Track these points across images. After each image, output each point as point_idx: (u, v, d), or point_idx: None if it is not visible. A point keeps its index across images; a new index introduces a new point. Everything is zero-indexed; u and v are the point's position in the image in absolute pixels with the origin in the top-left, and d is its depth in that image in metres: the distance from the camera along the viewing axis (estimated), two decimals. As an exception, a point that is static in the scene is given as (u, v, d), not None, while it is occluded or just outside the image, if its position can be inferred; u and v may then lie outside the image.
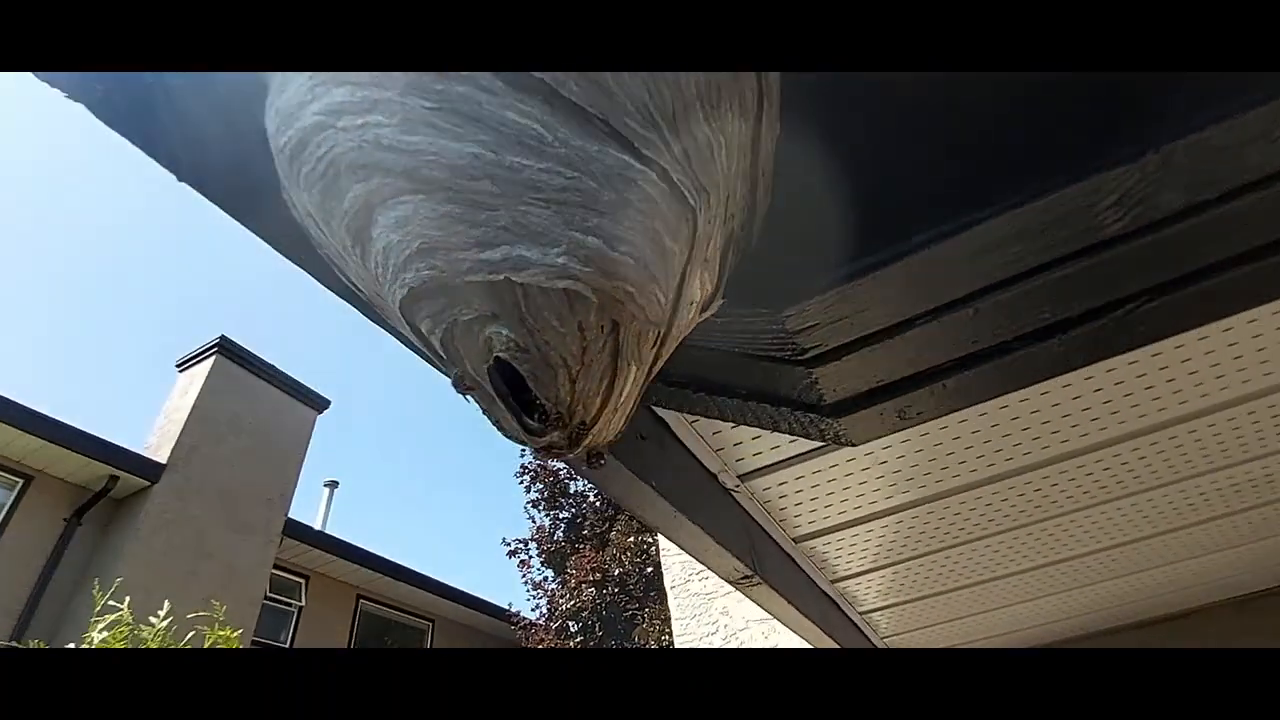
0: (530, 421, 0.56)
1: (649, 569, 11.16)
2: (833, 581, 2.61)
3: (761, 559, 1.96)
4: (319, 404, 10.37)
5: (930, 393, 0.85)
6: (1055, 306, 0.76)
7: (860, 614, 3.01)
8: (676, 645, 4.29)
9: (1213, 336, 1.31)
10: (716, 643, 3.99)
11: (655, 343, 0.56)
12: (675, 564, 4.57)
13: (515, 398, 0.57)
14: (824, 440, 0.95)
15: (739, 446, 1.77)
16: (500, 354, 0.52)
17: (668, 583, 4.72)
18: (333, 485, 12.41)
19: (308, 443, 9.91)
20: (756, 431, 1.75)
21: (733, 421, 1.03)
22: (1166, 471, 1.88)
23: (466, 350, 0.55)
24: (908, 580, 2.73)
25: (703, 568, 5.19)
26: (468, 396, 0.62)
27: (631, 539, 11.50)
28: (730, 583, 1.87)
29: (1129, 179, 0.62)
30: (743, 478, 1.88)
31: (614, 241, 0.48)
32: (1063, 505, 2.02)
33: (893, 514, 2.21)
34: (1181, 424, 1.63)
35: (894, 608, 3.02)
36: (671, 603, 4.64)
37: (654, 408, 1.52)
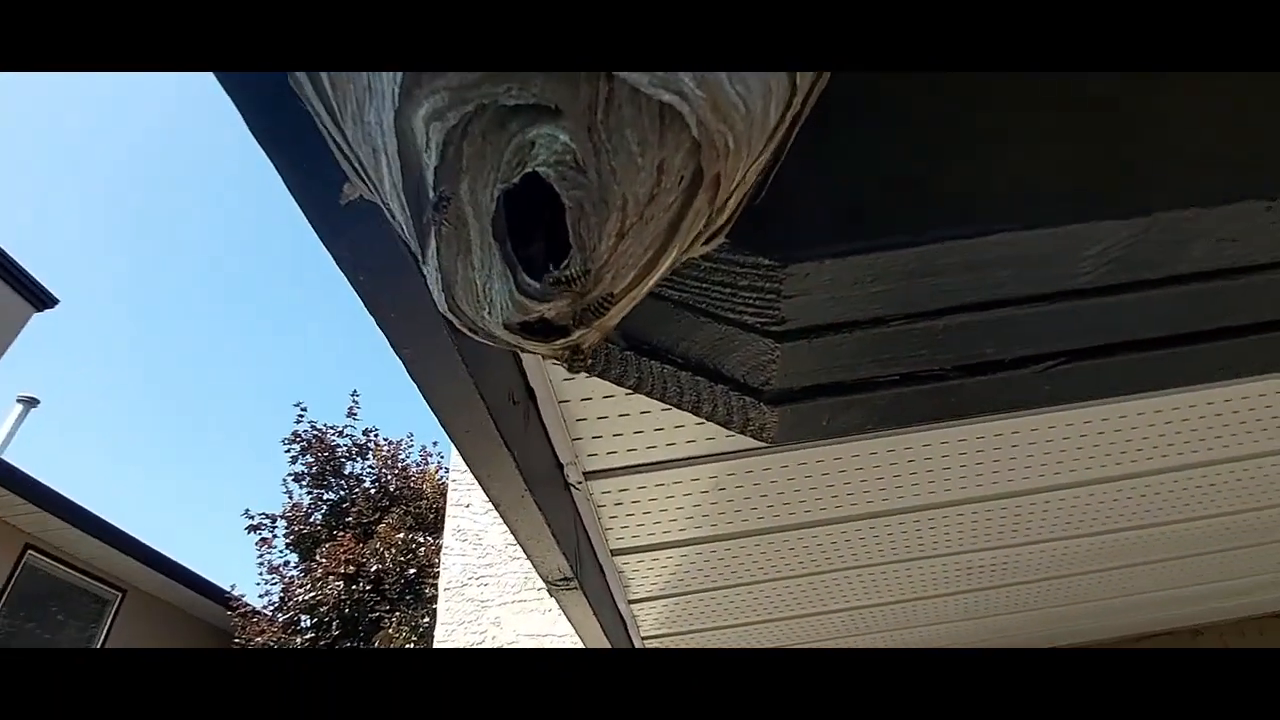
0: (529, 281, 0.43)
1: (412, 570, 10.37)
2: (629, 602, 2.59)
3: (582, 563, 1.87)
4: (40, 299, 8.22)
5: (866, 405, 0.84)
6: (1000, 345, 0.80)
7: (642, 639, 3.03)
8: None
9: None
10: (482, 654, 3.76)
11: (704, 230, 0.46)
12: (457, 564, 4.28)
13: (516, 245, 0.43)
14: (745, 431, 0.90)
15: (597, 441, 1.69)
16: (541, 168, 0.38)
17: (443, 584, 4.40)
18: (29, 403, 9.75)
19: (10, 342, 7.77)
20: (619, 428, 1.68)
21: (648, 393, 0.94)
22: (980, 539, 2.15)
23: (478, 158, 0.40)
24: (695, 610, 2.81)
25: (485, 573, 4.92)
26: (430, 235, 0.46)
27: (401, 535, 10.63)
28: (548, 582, 1.75)
29: (1118, 234, 0.66)
30: (587, 475, 1.79)
31: (734, 78, 0.38)
32: (870, 557, 2.20)
33: (708, 542, 2.25)
34: (998, 500, 1.87)
35: (670, 637, 3.09)
36: (441, 606, 4.33)
37: (526, 372, 1.39)
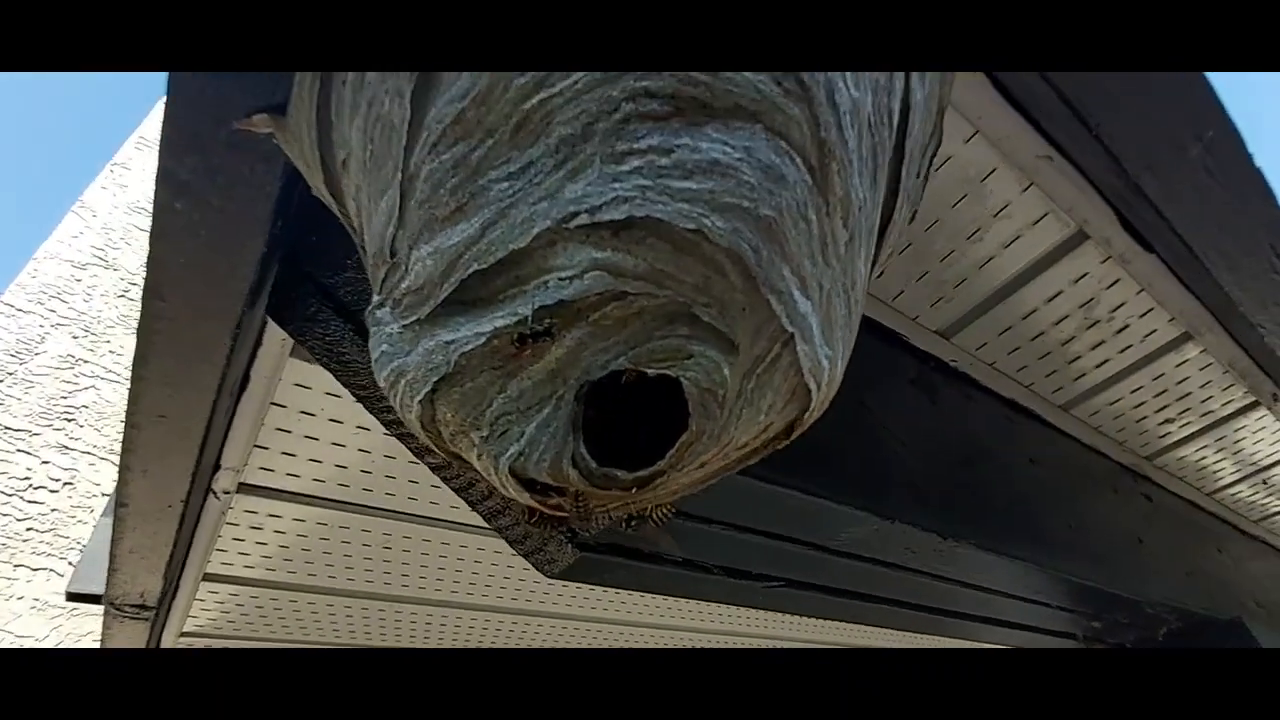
0: (587, 457, 0.40)
1: None
2: (180, 634, 2.06)
3: (179, 583, 1.46)
4: None
5: (642, 572, 0.92)
6: (759, 562, 0.97)
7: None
8: None
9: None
10: None
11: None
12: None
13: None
14: (530, 556, 0.89)
15: (266, 453, 1.41)
16: (688, 384, 0.37)
17: None
18: None
19: None
20: (299, 449, 1.45)
21: (454, 479, 0.87)
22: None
23: (615, 327, 0.37)
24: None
25: None
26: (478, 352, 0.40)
27: None
28: (115, 606, 1.30)
29: (870, 524, 0.90)
30: (238, 489, 1.45)
31: (842, 358, 0.44)
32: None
33: (302, 591, 1.99)
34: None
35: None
36: None
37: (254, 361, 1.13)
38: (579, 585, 2.24)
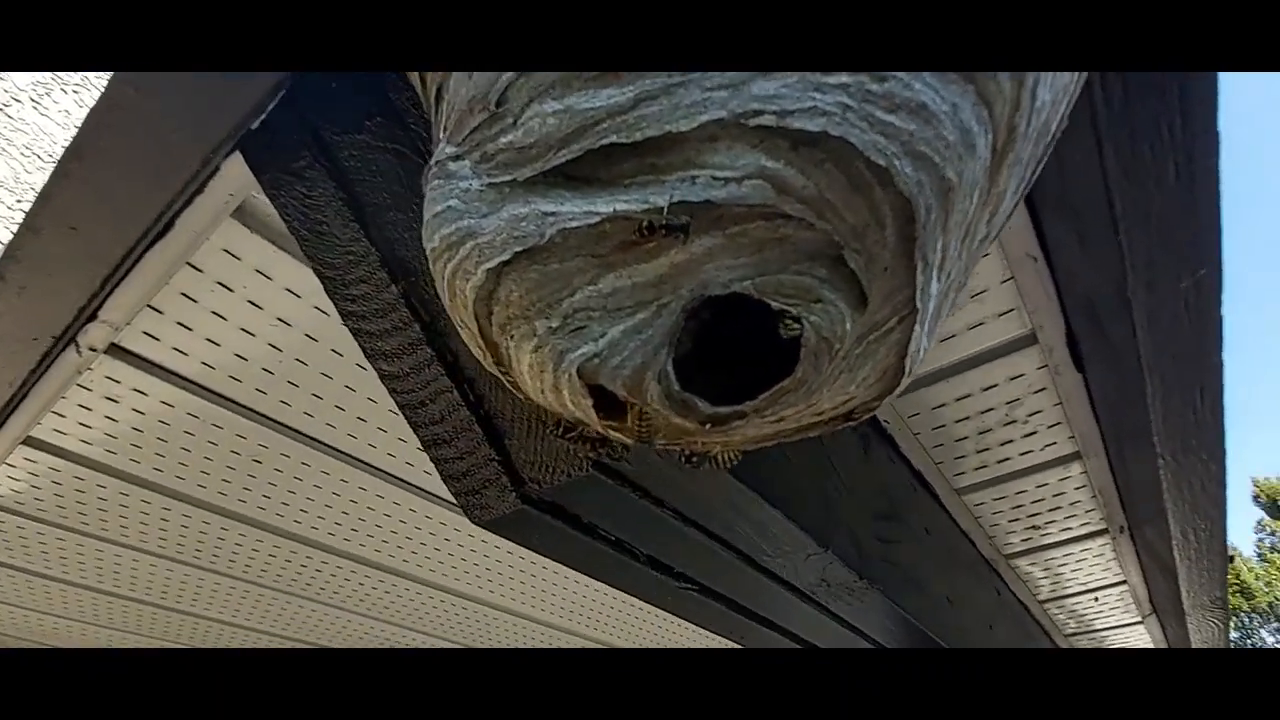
0: (674, 379, 0.36)
1: None
2: None
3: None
4: None
5: (569, 541, 0.88)
6: (685, 561, 0.96)
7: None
8: None
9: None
10: None
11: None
12: None
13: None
14: (462, 494, 0.82)
15: (182, 332, 1.24)
16: (809, 326, 0.34)
17: None
18: None
19: None
20: (218, 333, 1.29)
21: (403, 394, 0.80)
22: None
23: (751, 247, 0.34)
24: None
25: None
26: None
27: None
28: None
29: (798, 551, 0.91)
30: (108, 350, 1.26)
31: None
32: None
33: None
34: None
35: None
36: None
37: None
38: (460, 558, 2.13)
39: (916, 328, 0.38)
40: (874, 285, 0.36)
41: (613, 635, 2.79)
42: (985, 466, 1.68)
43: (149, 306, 1.22)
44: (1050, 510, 1.88)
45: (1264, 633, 17.54)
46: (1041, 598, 2.44)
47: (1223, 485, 1.25)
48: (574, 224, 0.35)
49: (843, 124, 0.32)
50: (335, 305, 0.80)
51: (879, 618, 1.20)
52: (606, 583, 0.96)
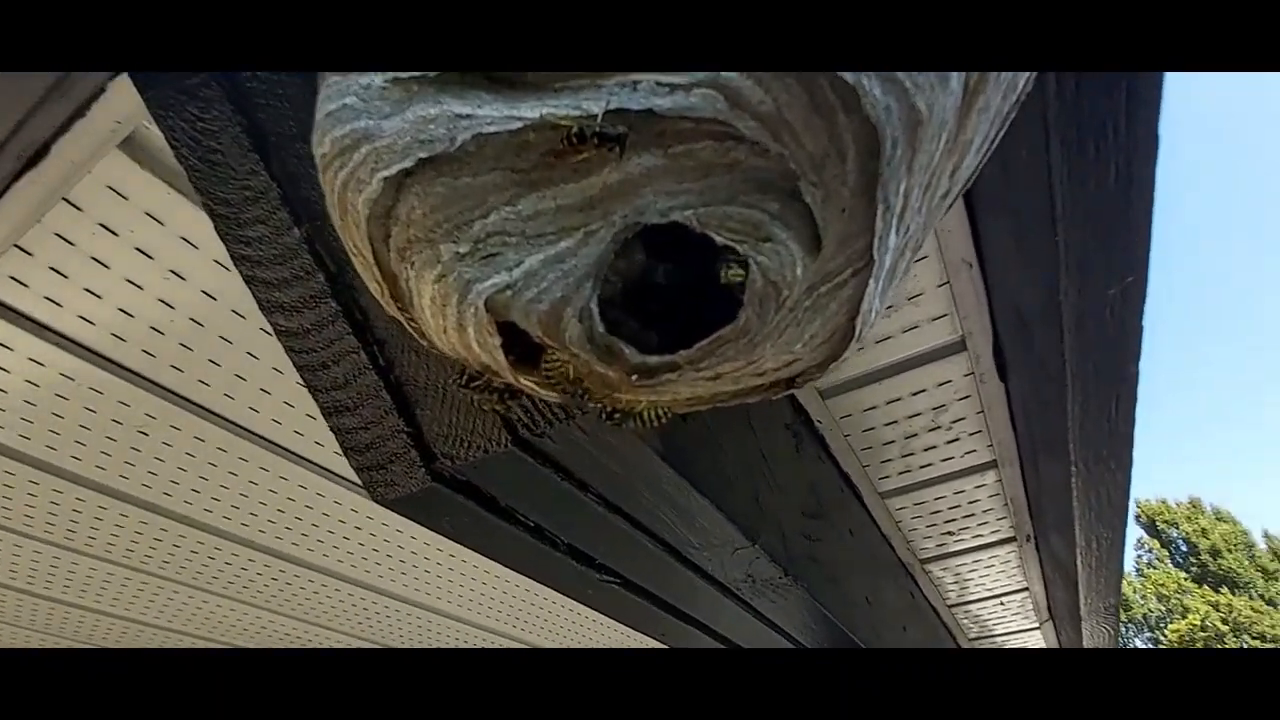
0: (599, 326, 0.31)
1: None
2: None
3: None
4: None
5: (483, 525, 0.81)
6: (605, 551, 0.91)
7: None
8: None
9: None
10: None
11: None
12: None
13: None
14: (365, 470, 0.74)
15: (56, 280, 1.09)
16: (756, 266, 0.30)
17: None
18: None
19: None
20: (101, 284, 1.15)
21: (302, 354, 0.72)
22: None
23: (697, 171, 0.29)
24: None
25: None
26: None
27: None
28: None
29: (725, 545, 0.88)
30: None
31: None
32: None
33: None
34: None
35: None
36: None
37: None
38: (360, 542, 2.00)
39: (871, 283, 0.35)
40: (830, 227, 0.32)
41: (531, 632, 2.71)
42: (909, 471, 1.71)
43: (16, 247, 1.07)
44: (965, 517, 1.95)
45: (1138, 641, 19.20)
46: (950, 602, 2.54)
47: (1128, 495, 1.31)
48: (491, 129, 0.30)
49: None
50: (227, 248, 0.70)
51: (801, 616, 1.18)
52: (523, 573, 0.90)
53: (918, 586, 2.32)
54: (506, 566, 0.91)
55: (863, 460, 1.66)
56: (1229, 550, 19.32)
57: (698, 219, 0.31)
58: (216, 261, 1.09)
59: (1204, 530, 19.73)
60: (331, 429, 0.75)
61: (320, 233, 0.67)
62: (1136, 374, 0.95)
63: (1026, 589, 2.54)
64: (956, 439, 1.59)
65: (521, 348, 0.34)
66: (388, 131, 0.31)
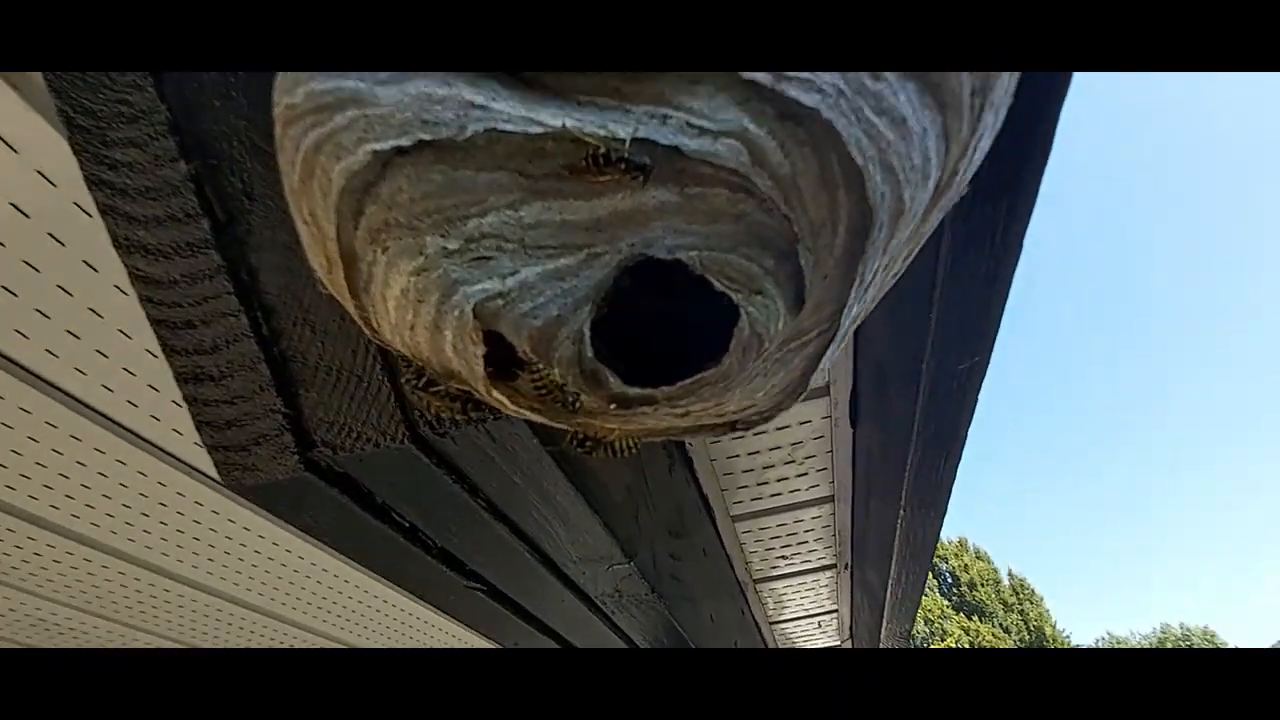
0: (590, 357, 0.31)
1: None
2: None
3: None
4: None
5: (352, 523, 0.75)
6: (482, 559, 0.87)
7: None
8: None
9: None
10: None
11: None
12: None
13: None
14: (222, 449, 0.65)
15: None
16: (748, 313, 0.30)
17: None
18: None
19: None
20: None
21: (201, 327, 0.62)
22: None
23: (701, 212, 0.30)
24: None
25: None
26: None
27: None
28: None
29: (601, 560, 0.89)
30: None
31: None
32: None
33: None
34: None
35: None
36: None
37: None
38: (195, 536, 1.74)
39: (832, 347, 0.38)
40: (813, 290, 0.35)
41: (353, 635, 2.51)
42: (760, 499, 1.84)
43: None
44: (798, 544, 2.13)
45: (905, 658, 22.12)
46: (771, 619, 2.75)
47: (937, 538, 1.51)
48: (508, 127, 0.28)
49: (834, 109, 0.30)
50: (82, 167, 0.59)
51: (656, 631, 1.22)
52: (380, 574, 0.84)
53: (747, 604, 2.48)
54: (364, 567, 0.85)
55: (721, 484, 1.75)
56: (982, 584, 22.94)
57: (700, 261, 0.31)
58: (76, 205, 0.91)
59: (966, 566, 23.27)
60: (185, 397, 0.65)
61: (214, 175, 0.59)
62: (965, 439, 1.10)
63: (836, 611, 2.83)
64: (805, 473, 1.74)
65: (495, 358, 0.32)
66: (384, 101, 0.28)
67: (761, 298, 0.34)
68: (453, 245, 0.30)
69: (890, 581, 1.75)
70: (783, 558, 2.22)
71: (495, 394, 0.35)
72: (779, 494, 1.82)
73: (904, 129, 0.33)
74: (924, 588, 1.92)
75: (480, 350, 0.31)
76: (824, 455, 1.66)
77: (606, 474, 0.84)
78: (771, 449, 1.62)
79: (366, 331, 0.38)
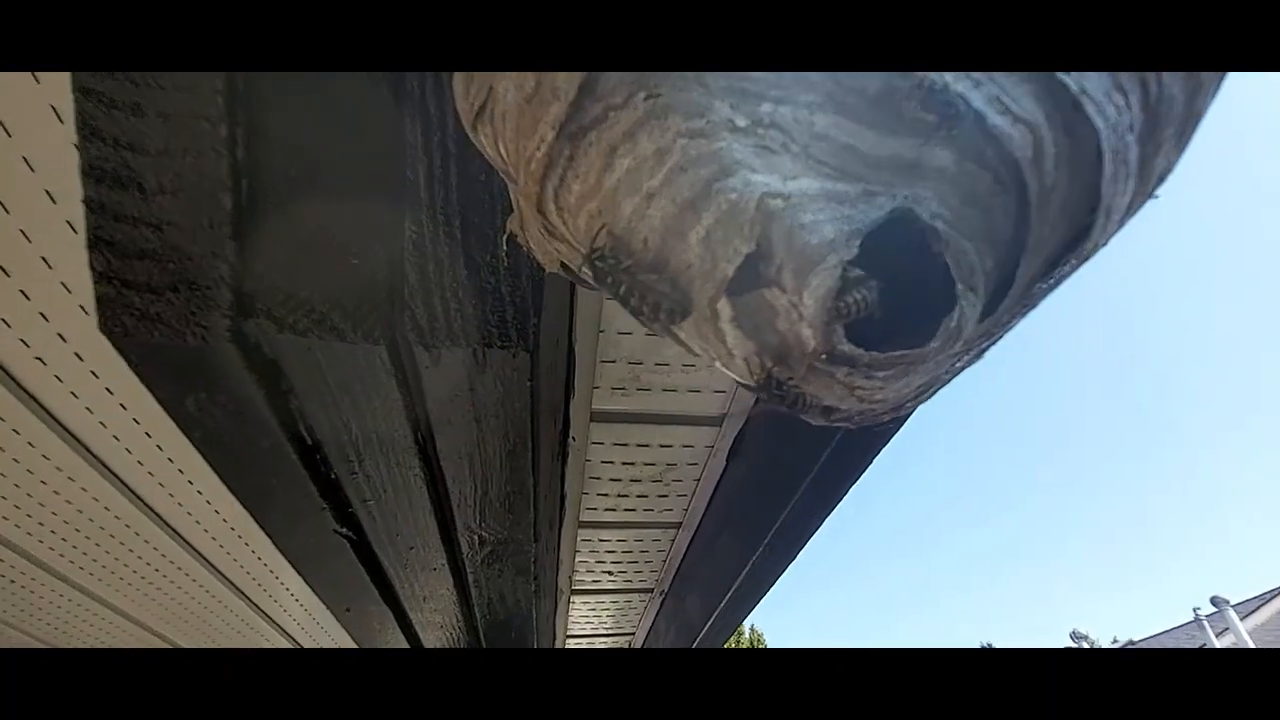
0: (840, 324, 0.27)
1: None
2: None
3: None
4: None
5: (258, 427, 0.61)
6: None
7: None
8: None
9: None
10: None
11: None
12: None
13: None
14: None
15: None
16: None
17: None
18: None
19: None
20: None
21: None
22: None
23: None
24: None
25: None
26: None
27: None
28: None
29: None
30: None
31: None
32: None
33: None
34: None
35: None
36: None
37: None
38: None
39: (944, 375, 0.38)
40: (1000, 313, 0.34)
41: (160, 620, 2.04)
42: (615, 510, 1.83)
43: None
44: (629, 562, 2.14)
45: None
46: (572, 632, 2.72)
47: (776, 579, 1.61)
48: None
49: (1111, 152, 0.30)
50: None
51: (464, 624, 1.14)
52: (242, 495, 0.68)
53: (555, 613, 2.43)
54: (226, 483, 0.68)
55: (585, 488, 1.71)
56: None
57: (946, 237, 0.29)
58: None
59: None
60: (88, 198, 0.49)
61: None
62: (845, 492, 1.20)
63: (631, 634, 2.88)
64: (666, 495, 1.76)
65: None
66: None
67: (974, 296, 0.33)
68: (740, 121, 0.25)
69: (715, 614, 1.82)
70: (608, 573, 2.21)
71: (720, 305, 0.29)
72: (633, 510, 1.82)
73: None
74: (741, 623, 2.03)
75: (747, 249, 0.26)
76: (690, 482, 1.70)
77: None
78: (647, 464, 1.62)
79: (516, 183, 0.30)
